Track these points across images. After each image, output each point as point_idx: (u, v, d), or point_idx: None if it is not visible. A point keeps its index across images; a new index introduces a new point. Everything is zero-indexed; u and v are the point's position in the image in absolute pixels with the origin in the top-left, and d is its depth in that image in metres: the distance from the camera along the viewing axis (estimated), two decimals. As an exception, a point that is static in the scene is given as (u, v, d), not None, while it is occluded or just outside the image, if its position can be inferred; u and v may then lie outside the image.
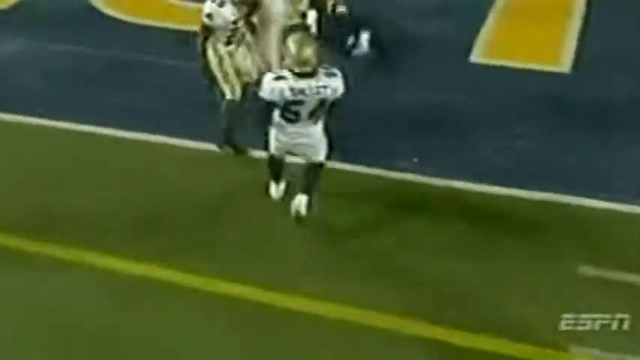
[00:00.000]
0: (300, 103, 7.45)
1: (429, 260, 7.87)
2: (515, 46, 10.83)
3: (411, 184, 8.86)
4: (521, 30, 11.12)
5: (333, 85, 7.48)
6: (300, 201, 8.00)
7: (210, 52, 8.88)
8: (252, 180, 8.75)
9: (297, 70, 7.35)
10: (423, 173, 8.95)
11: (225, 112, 9.06)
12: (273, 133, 7.84)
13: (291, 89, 7.37)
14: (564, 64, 10.52)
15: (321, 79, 7.43)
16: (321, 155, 7.95)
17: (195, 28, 9.01)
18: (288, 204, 8.27)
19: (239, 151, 9.25)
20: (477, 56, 10.77)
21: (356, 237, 8.20)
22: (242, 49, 9.02)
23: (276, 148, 7.94)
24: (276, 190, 8.48)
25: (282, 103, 7.46)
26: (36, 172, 9.03)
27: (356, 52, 10.84)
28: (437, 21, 11.24)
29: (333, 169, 8.66)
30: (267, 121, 7.75)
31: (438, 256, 7.93)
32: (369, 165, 9.05)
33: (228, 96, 8.93)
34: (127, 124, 9.67)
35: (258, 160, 8.98)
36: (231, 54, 8.88)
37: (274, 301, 7.54)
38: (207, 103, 9.58)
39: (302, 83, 7.37)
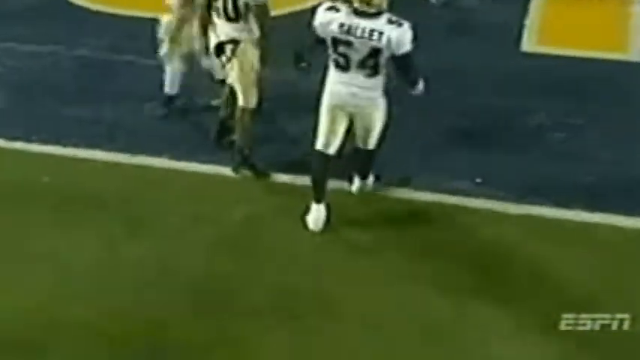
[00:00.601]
0: (349, 45, 6.88)
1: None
2: (572, 32, 9.62)
3: (476, 211, 7.55)
4: (573, 12, 9.85)
5: (389, 33, 6.80)
6: (365, 183, 7.70)
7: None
8: (279, 209, 7.60)
9: (356, 6, 6.84)
10: (491, 196, 7.64)
11: (245, 124, 7.80)
12: (326, 90, 7.21)
13: (340, 25, 6.87)
14: (633, 51, 9.34)
15: (379, 24, 6.81)
16: (377, 120, 7.25)
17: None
18: (330, 238, 7.27)
19: (259, 173, 7.91)
20: (529, 44, 9.51)
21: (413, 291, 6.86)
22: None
23: (329, 107, 7.21)
24: (317, 213, 7.40)
25: (329, 40, 6.93)
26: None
27: None
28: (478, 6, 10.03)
29: (383, 197, 7.72)
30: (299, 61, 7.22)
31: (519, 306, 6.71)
32: (421, 188, 7.76)
33: (250, 104, 7.79)
34: (111, 143, 8.38)
35: (282, 186, 7.88)
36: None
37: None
38: (208, 113, 8.49)
39: (354, 21, 6.84)
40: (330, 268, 7.08)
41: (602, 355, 6.31)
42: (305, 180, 7.68)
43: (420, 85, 7.15)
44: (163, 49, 8.37)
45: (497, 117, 8.46)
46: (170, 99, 8.65)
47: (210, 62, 8.09)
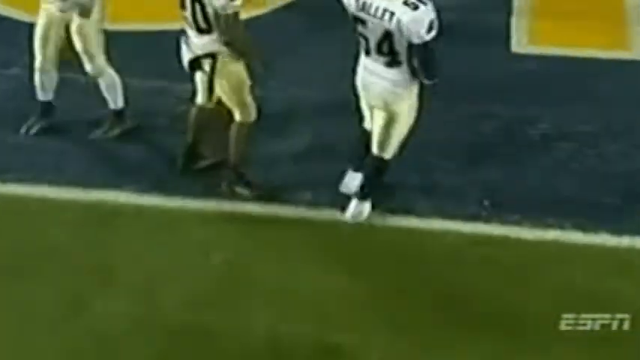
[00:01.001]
0: (364, 24, 6.54)
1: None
2: (565, 28, 8.96)
3: (488, 238, 6.93)
4: (564, 6, 9.18)
5: (400, 16, 6.34)
6: (361, 210, 7.03)
7: None
8: (264, 246, 6.88)
9: None
10: (503, 221, 7.01)
11: (242, 140, 7.25)
12: (357, 72, 6.92)
13: (356, 0, 6.52)
14: (635, 48, 8.78)
15: (393, 4, 6.38)
16: (399, 122, 6.79)
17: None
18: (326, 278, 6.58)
19: (257, 190, 7.27)
20: (519, 45, 8.83)
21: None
22: None
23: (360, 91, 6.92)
24: (351, 180, 7.14)
25: (351, 18, 6.64)
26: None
27: None
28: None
29: (376, 228, 7.06)
30: None
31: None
32: (424, 215, 7.10)
33: (250, 118, 7.24)
34: (61, 176, 7.51)
35: (264, 219, 7.16)
36: None
37: None
38: (168, 133, 7.78)
39: None
40: (330, 313, 6.40)
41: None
42: (288, 210, 7.13)
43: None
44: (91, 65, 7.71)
45: (495, 128, 7.85)
46: (119, 115, 7.87)
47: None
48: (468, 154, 7.56)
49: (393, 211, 7.09)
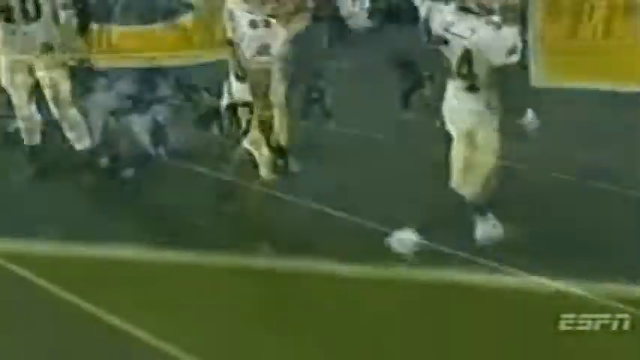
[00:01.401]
0: (447, 43, 6.48)
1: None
2: (587, 60, 8.22)
3: (550, 296, 6.47)
4: (582, 35, 8.41)
5: (481, 32, 6.29)
6: (408, 240, 6.67)
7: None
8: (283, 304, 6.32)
9: (465, 5, 6.42)
10: (554, 276, 6.50)
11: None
12: None
13: (441, 21, 6.48)
14: None
15: (478, 22, 6.34)
16: (477, 155, 6.56)
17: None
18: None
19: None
20: (538, 79, 8.11)
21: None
22: None
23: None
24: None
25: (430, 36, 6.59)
26: None
27: None
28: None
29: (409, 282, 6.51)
30: None
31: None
32: (462, 268, 6.59)
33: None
34: (53, 229, 6.86)
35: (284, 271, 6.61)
36: None
37: None
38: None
39: (454, 17, 6.43)
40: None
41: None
42: (312, 263, 6.60)
43: (530, 116, 6.47)
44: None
45: (526, 171, 7.43)
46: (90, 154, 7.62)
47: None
48: (503, 203, 6.99)
49: (425, 262, 6.60)
